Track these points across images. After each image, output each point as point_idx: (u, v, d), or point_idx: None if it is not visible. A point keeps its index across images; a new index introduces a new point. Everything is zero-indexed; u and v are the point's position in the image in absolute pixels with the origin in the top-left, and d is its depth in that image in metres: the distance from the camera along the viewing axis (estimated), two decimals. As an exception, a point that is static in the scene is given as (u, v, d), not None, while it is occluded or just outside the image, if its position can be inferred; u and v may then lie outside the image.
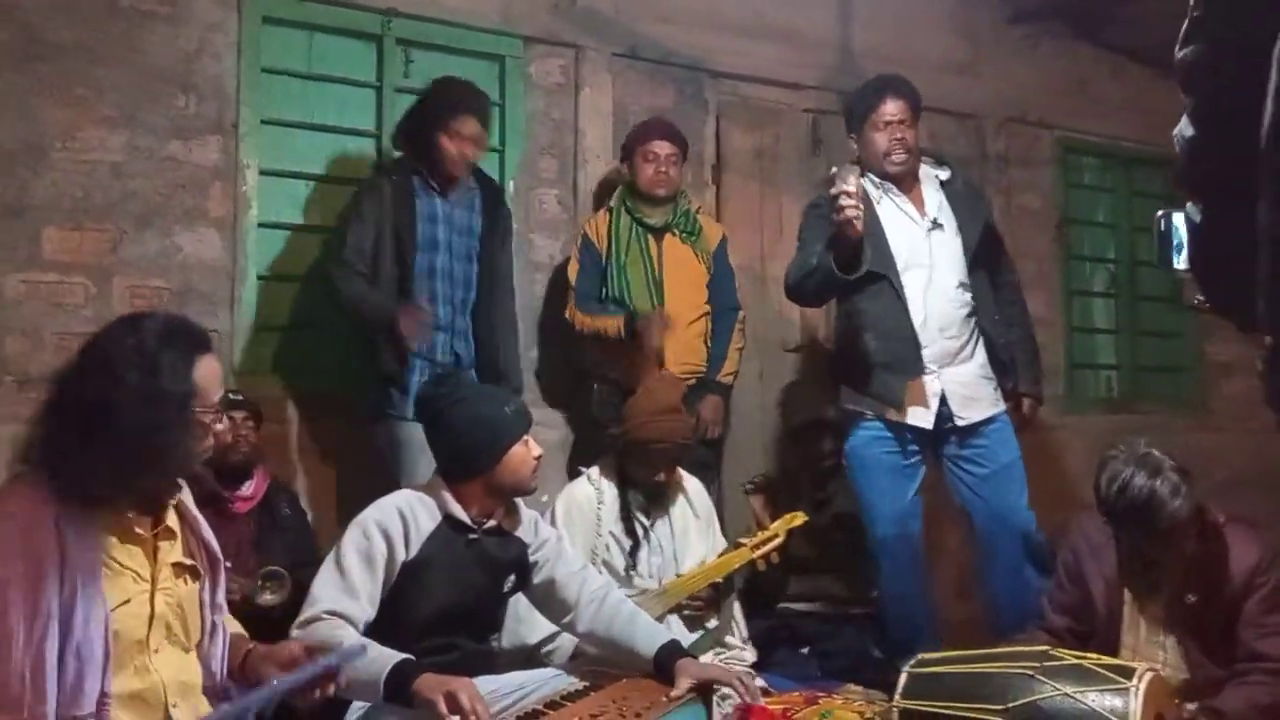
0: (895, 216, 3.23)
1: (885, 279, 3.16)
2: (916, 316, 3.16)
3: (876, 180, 3.24)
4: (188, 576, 1.85)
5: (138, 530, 1.77)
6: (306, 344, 3.62)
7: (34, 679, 1.59)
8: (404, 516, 2.35)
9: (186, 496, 1.91)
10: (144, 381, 1.69)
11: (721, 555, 3.09)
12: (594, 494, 3.07)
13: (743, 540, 3.14)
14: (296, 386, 3.56)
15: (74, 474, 1.66)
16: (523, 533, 2.52)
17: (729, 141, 4.35)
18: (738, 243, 4.23)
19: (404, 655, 2.11)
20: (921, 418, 3.17)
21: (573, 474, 3.47)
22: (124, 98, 3.30)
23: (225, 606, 1.94)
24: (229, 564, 2.02)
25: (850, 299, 3.24)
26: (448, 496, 2.41)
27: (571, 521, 3.01)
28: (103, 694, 1.65)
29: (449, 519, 2.39)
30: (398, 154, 3.44)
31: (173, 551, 1.83)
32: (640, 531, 3.05)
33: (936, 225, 3.22)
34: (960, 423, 3.17)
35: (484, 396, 2.53)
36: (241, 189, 3.48)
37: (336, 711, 2.20)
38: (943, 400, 3.17)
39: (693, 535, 3.13)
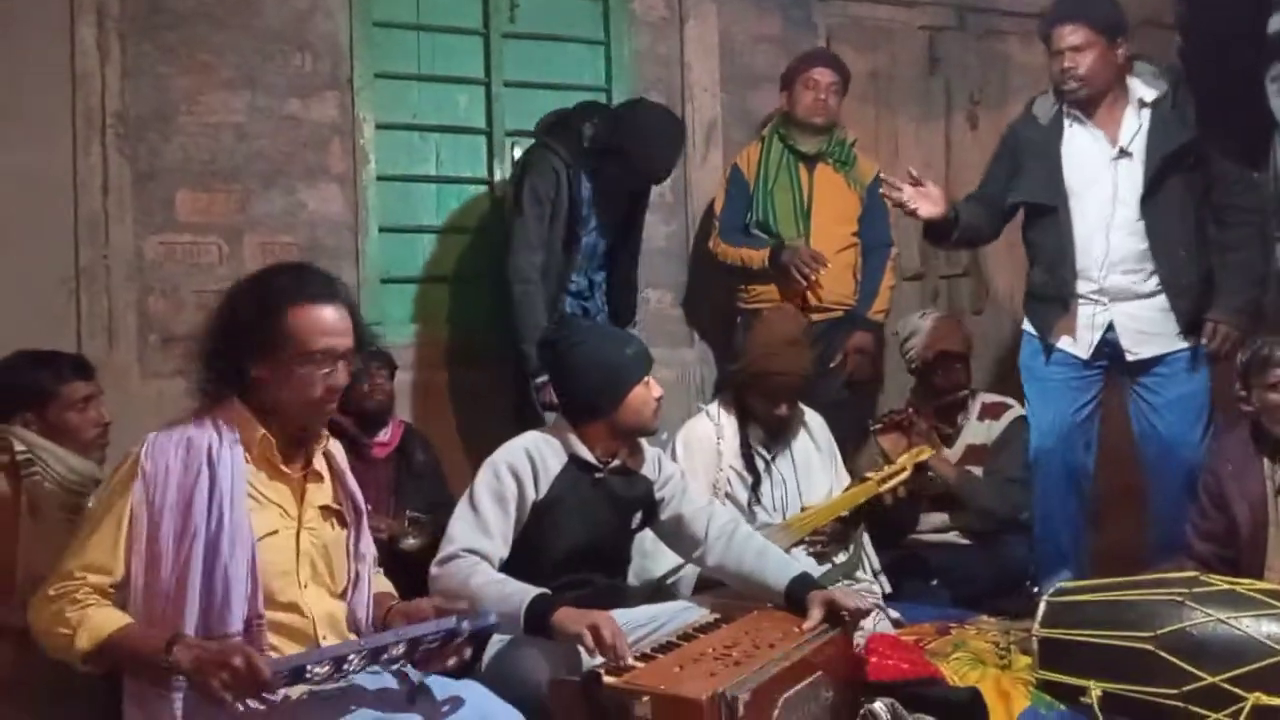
0: (1082, 145, 3.06)
1: (1054, 211, 3.06)
2: (1093, 249, 3.02)
3: (1068, 108, 3.06)
4: (334, 521, 1.92)
5: (284, 469, 1.85)
6: (431, 294, 3.71)
7: (176, 598, 1.70)
8: (532, 457, 2.39)
9: (337, 449, 1.98)
10: (233, 317, 1.82)
11: (846, 489, 3.06)
12: (713, 429, 3.06)
13: (868, 475, 3.10)
14: (422, 335, 3.65)
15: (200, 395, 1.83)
16: (647, 470, 2.54)
17: (841, 65, 4.21)
18: (852, 169, 4.13)
19: (541, 589, 2.16)
20: (1079, 347, 3.07)
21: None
22: (243, 60, 3.39)
23: (370, 559, 2.00)
24: (369, 507, 2.10)
25: (1027, 228, 3.19)
26: (573, 438, 2.44)
27: (692, 456, 3.01)
28: (255, 616, 1.74)
29: (575, 459, 2.43)
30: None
31: (319, 494, 1.91)
32: (761, 465, 3.04)
33: (1124, 154, 3.01)
34: (1130, 358, 3.03)
35: (604, 339, 2.54)
36: (359, 143, 3.54)
37: (477, 644, 2.28)
38: (1110, 329, 3.04)
39: (816, 468, 3.10)
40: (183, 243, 3.33)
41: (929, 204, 3.06)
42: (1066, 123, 3.07)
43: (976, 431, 3.47)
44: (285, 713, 1.73)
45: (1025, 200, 3.15)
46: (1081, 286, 3.05)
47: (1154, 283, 3.00)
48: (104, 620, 1.66)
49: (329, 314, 1.83)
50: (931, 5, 4.32)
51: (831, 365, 3.52)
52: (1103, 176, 3.02)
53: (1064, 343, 3.09)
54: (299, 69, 3.46)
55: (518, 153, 3.76)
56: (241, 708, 1.63)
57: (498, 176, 3.76)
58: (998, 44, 4.45)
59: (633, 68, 3.90)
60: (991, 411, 3.48)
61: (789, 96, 3.67)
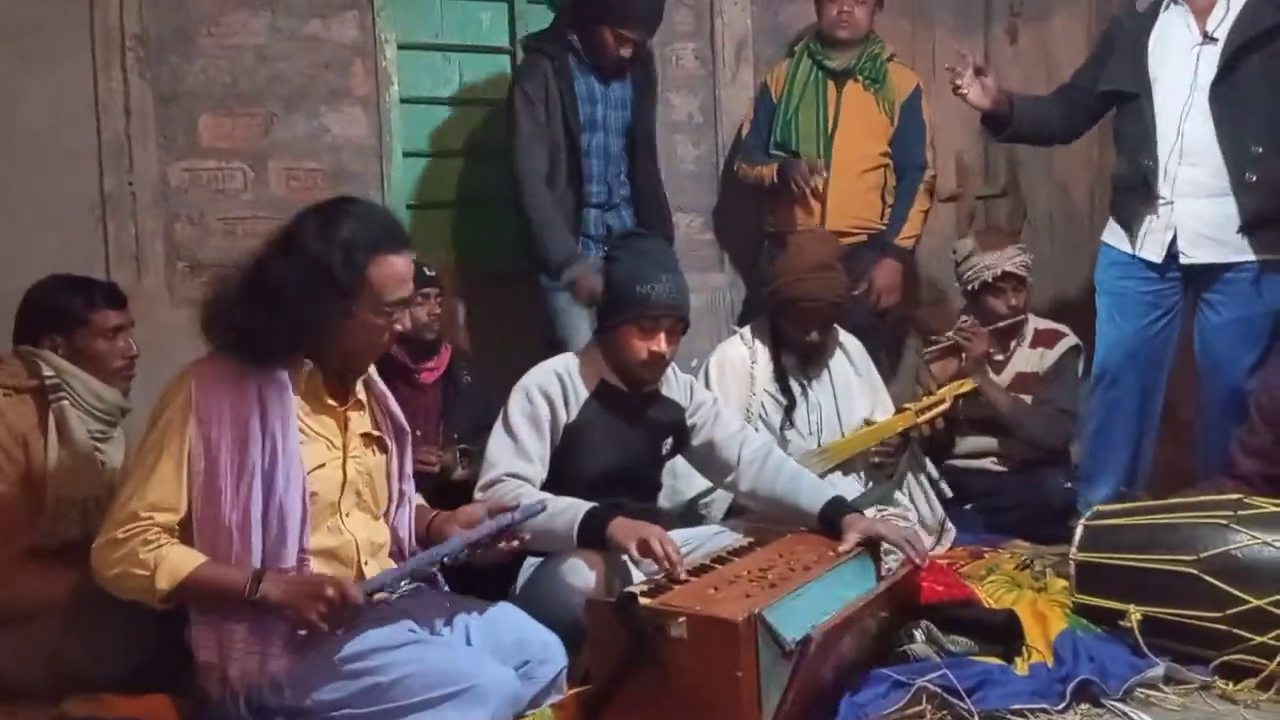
0: (1170, 28, 2.92)
1: (1137, 99, 2.93)
2: (1168, 137, 2.88)
3: None
4: (375, 447, 1.94)
5: (329, 401, 1.86)
6: (456, 219, 3.67)
7: (240, 534, 1.70)
8: (562, 379, 2.39)
9: (372, 370, 1.98)
10: (312, 266, 1.75)
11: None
12: (746, 354, 3.03)
13: (907, 405, 3.06)
14: (448, 260, 3.61)
15: (245, 341, 1.77)
16: (679, 396, 2.53)
17: (875, -23, 4.07)
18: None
19: (593, 504, 2.19)
20: (1150, 249, 2.96)
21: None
22: (263, -22, 3.31)
23: (412, 478, 2.02)
24: (418, 433, 2.10)
25: (1116, 118, 3.07)
26: (602, 362, 2.42)
27: (725, 380, 2.99)
28: (301, 550, 1.75)
29: (605, 384, 2.41)
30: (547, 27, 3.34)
31: (361, 422, 1.91)
32: (797, 390, 3.01)
33: (1209, 40, 2.86)
34: (1183, 260, 2.90)
35: (634, 263, 2.41)
36: (381, 64, 3.46)
37: (512, 564, 2.29)
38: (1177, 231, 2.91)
39: (855, 392, 3.07)
40: (207, 169, 3.28)
41: (978, 92, 3.01)
42: (1163, 7, 2.94)
43: (1028, 359, 3.37)
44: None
45: (1110, 88, 3.02)
46: (1159, 182, 2.91)
47: (1224, 181, 2.84)
48: (181, 559, 1.67)
49: (403, 263, 1.83)
50: (970, -88, 4.16)
51: (855, 293, 3.30)
52: (1184, 62, 2.88)
53: (1137, 248, 2.98)
54: (318, -13, 3.38)
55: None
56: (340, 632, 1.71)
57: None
58: (1039, -48, 4.29)
59: (660, -19, 3.78)
60: (1045, 339, 3.38)
61: (818, 10, 3.57)
